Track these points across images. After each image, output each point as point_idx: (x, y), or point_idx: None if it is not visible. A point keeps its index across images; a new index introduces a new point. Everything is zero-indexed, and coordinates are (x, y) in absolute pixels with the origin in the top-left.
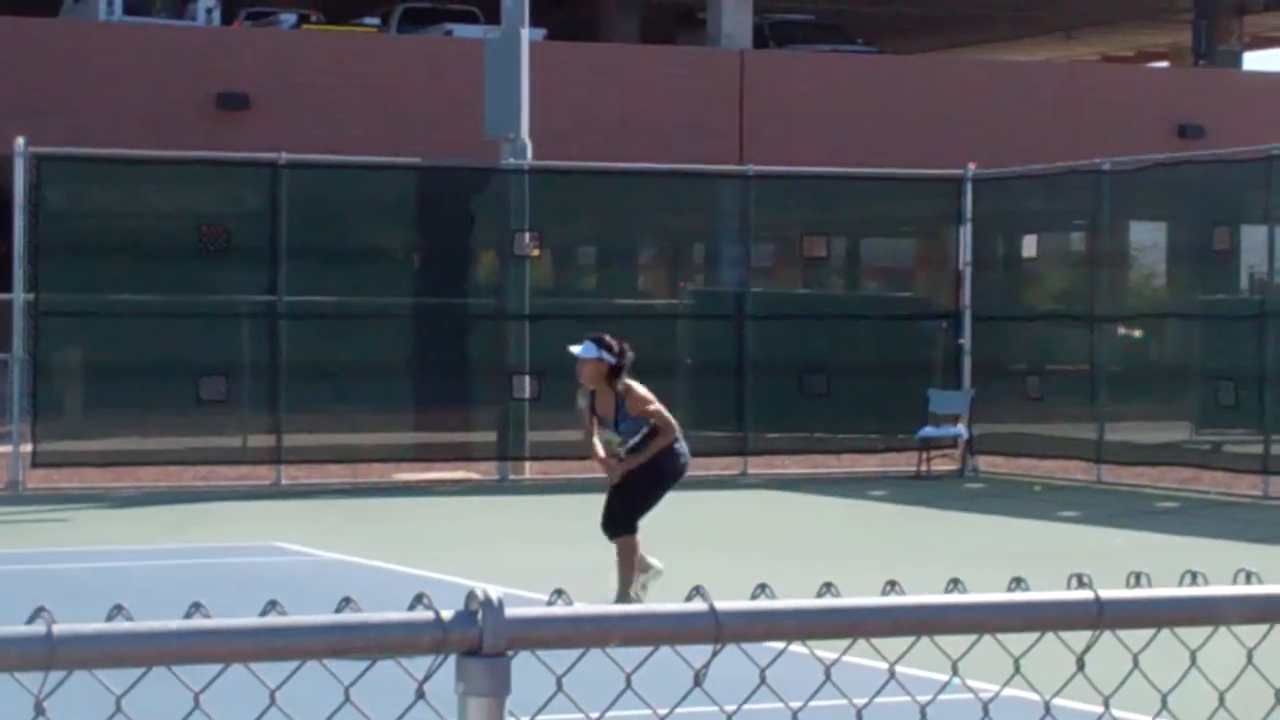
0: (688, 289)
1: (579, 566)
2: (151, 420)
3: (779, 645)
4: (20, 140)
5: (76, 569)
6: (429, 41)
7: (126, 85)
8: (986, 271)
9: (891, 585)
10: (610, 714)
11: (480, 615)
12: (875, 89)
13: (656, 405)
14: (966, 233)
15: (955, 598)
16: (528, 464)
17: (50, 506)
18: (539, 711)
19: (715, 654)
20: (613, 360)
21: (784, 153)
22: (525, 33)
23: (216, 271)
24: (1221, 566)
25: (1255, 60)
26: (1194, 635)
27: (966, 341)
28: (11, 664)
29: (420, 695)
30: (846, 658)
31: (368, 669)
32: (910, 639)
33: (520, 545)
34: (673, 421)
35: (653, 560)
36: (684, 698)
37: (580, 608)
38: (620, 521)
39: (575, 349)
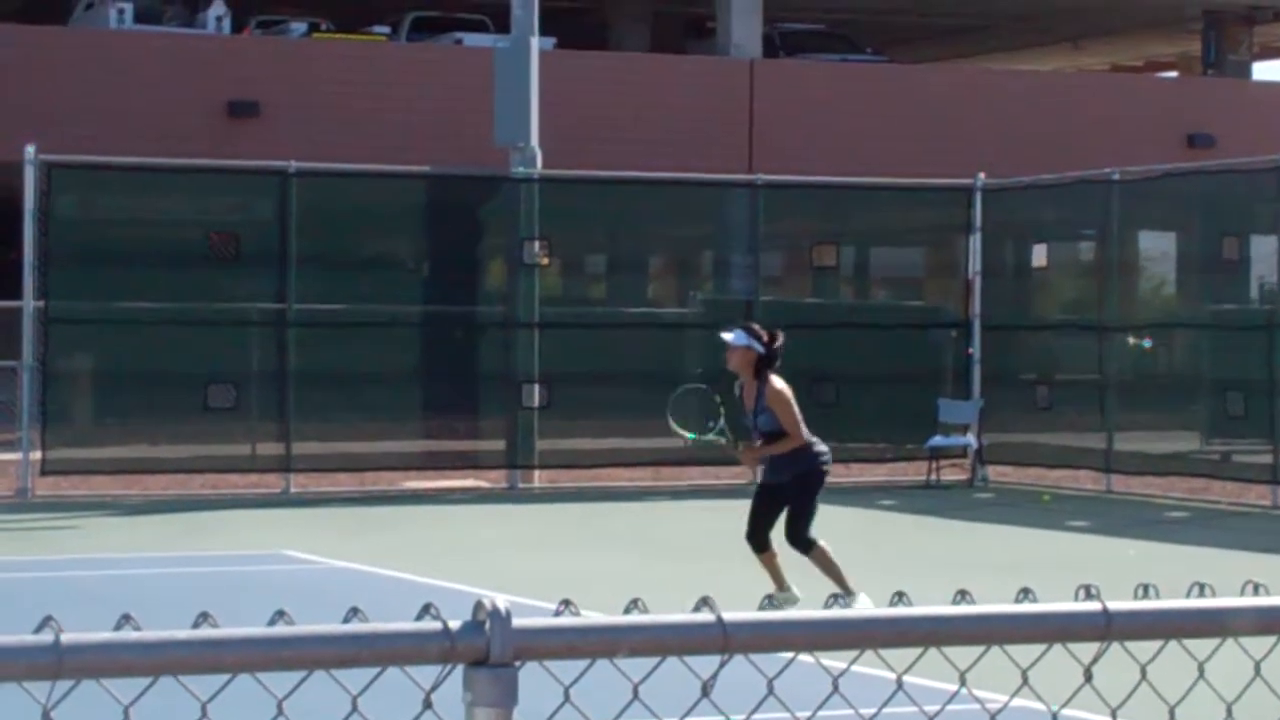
0: (697, 297)
1: (588, 576)
2: (160, 428)
3: (787, 655)
4: (30, 148)
5: (85, 576)
6: (439, 50)
7: (136, 93)
8: (996, 281)
9: (899, 596)
10: None
11: (488, 625)
12: (885, 98)
13: (792, 410)
14: (976, 242)
15: (963, 609)
16: (537, 472)
17: (59, 514)
18: None
19: (723, 664)
20: (762, 349)
21: (793, 162)
22: (535, 41)
23: (226, 279)
24: (1231, 577)
25: (1265, 70)
26: (1202, 647)
27: (976, 351)
28: (19, 673)
29: (427, 705)
30: (855, 668)
31: (375, 678)
32: (918, 650)
33: (529, 554)
34: (802, 430)
35: (793, 587)
36: (692, 708)
37: (588, 618)
38: (800, 540)
39: (726, 336)
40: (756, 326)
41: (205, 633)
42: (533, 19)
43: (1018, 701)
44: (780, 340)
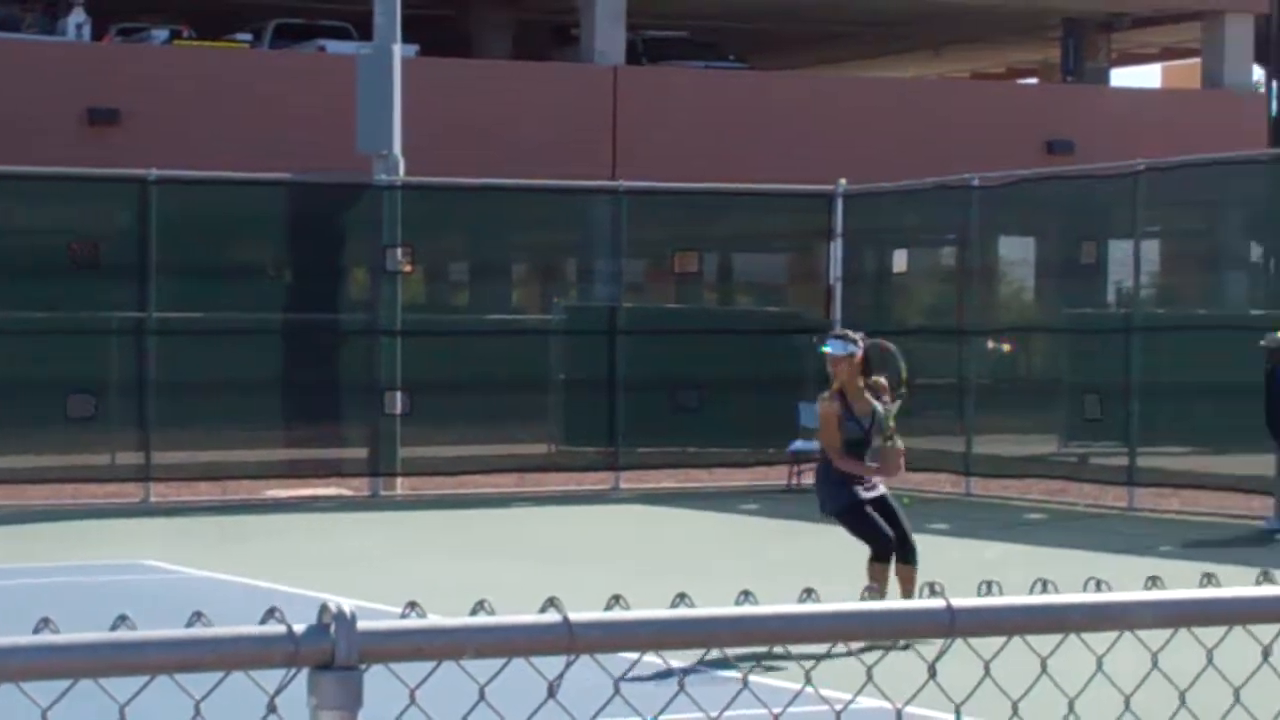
0: (560, 304)
1: (450, 582)
2: (18, 438)
3: (634, 656)
4: None
5: None
6: (302, 57)
7: None
8: (857, 286)
9: (745, 595)
10: None
11: (333, 629)
12: (747, 105)
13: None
14: (837, 248)
15: (807, 607)
16: (399, 480)
17: None
18: None
19: (569, 665)
20: (860, 351)
21: (657, 168)
22: (398, 49)
23: (85, 288)
24: (1083, 577)
25: (1123, 77)
26: (1045, 643)
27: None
28: None
29: (272, 709)
30: (702, 665)
31: (219, 683)
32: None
33: (392, 562)
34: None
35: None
36: (538, 709)
37: (433, 620)
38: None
39: (826, 349)
40: (848, 330)
41: (45, 638)
42: (395, 26)
43: (863, 700)
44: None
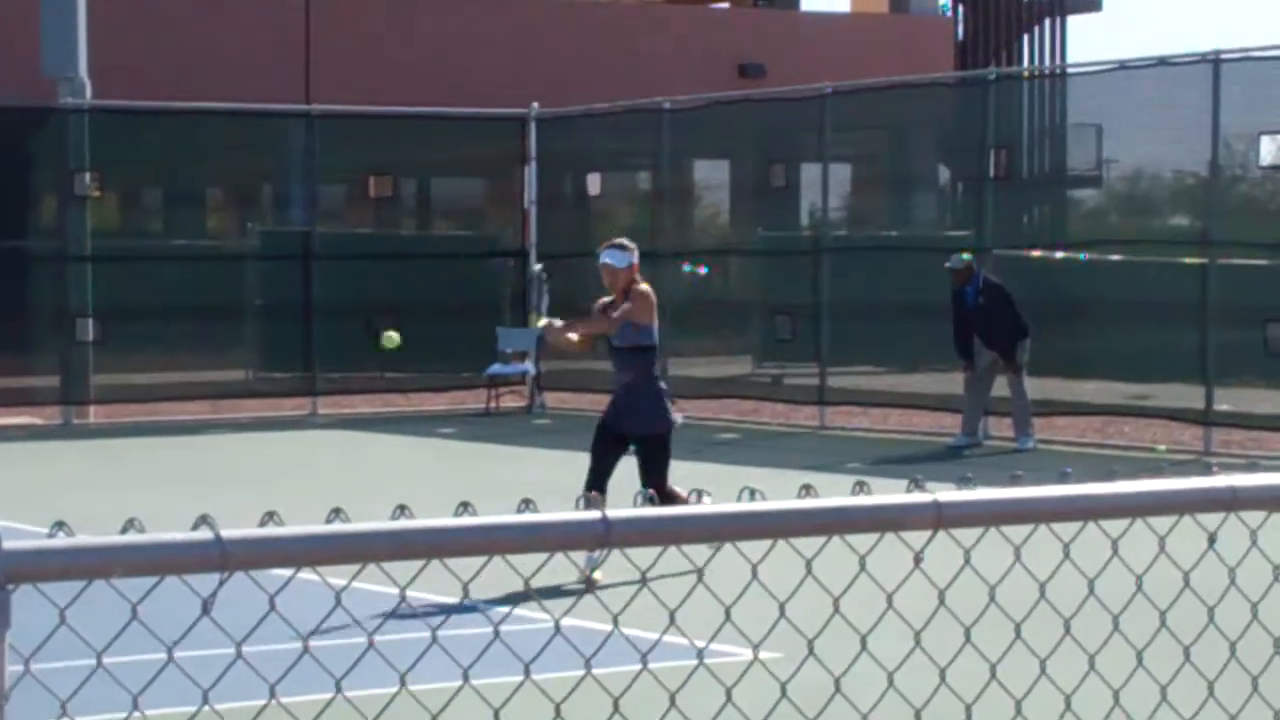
0: (255, 229)
1: (143, 511)
2: None
3: (289, 573)
4: None
5: None
6: None
7: None
8: (553, 210)
9: (401, 509)
10: (118, 643)
11: None
12: (439, 29)
13: (646, 313)
14: (531, 172)
15: (464, 520)
16: (93, 408)
17: None
18: (43, 644)
19: (222, 582)
20: (636, 261)
21: (352, 93)
22: None
23: None
24: (774, 493)
25: (814, 1)
26: (701, 553)
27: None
28: None
29: None
30: (358, 584)
31: None
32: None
33: (83, 492)
34: (618, 325)
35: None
36: (191, 627)
37: (81, 539)
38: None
39: (605, 260)
40: (626, 241)
41: None
42: None
43: (522, 611)
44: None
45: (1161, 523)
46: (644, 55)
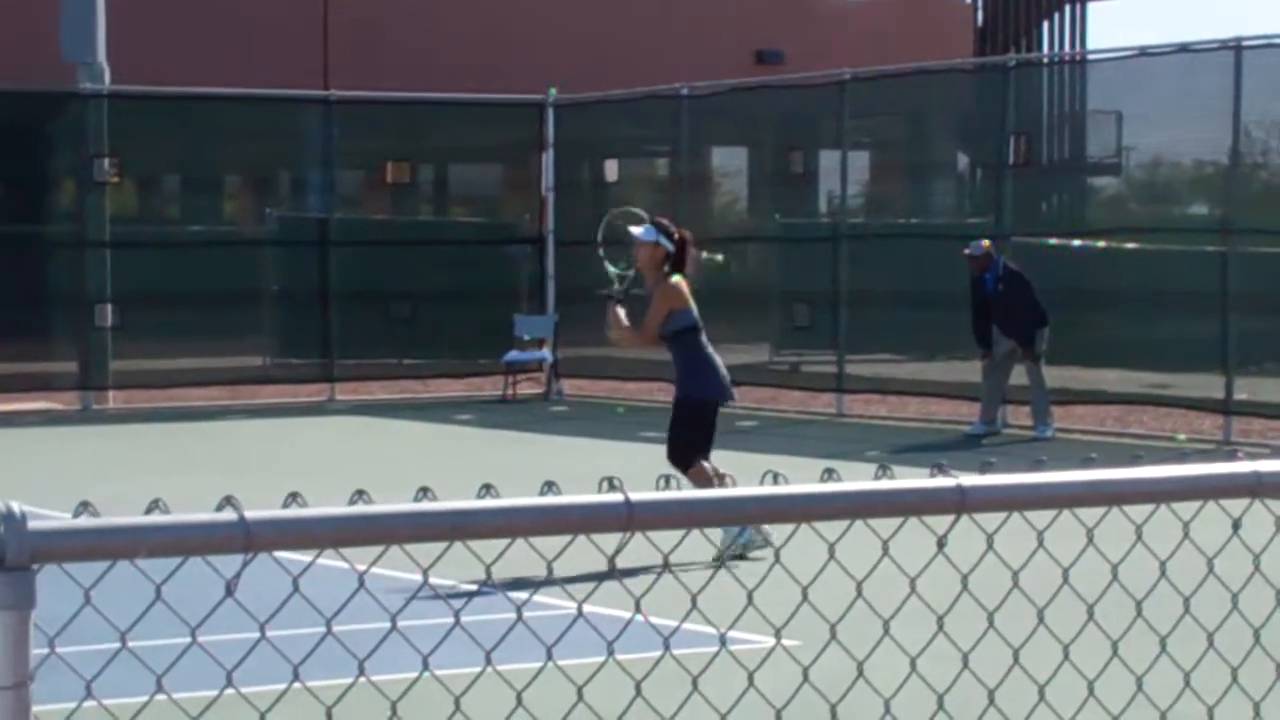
0: (273, 215)
1: (162, 496)
2: None
3: (309, 557)
4: None
5: None
6: None
7: None
8: (570, 196)
9: (424, 491)
10: (141, 625)
11: (2, 529)
12: (458, 14)
13: (662, 306)
14: (549, 158)
15: (487, 503)
16: (111, 393)
17: None
18: (68, 624)
19: (246, 563)
20: (670, 246)
21: (369, 79)
22: None
23: None
24: (793, 481)
25: None
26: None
27: (550, 266)
28: None
29: None
30: (379, 570)
31: None
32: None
33: (102, 477)
34: (652, 331)
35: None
36: (216, 607)
37: (106, 520)
38: (676, 458)
39: (636, 230)
40: (665, 221)
41: None
42: None
43: (544, 597)
44: (690, 246)
45: (1185, 509)
46: (662, 41)
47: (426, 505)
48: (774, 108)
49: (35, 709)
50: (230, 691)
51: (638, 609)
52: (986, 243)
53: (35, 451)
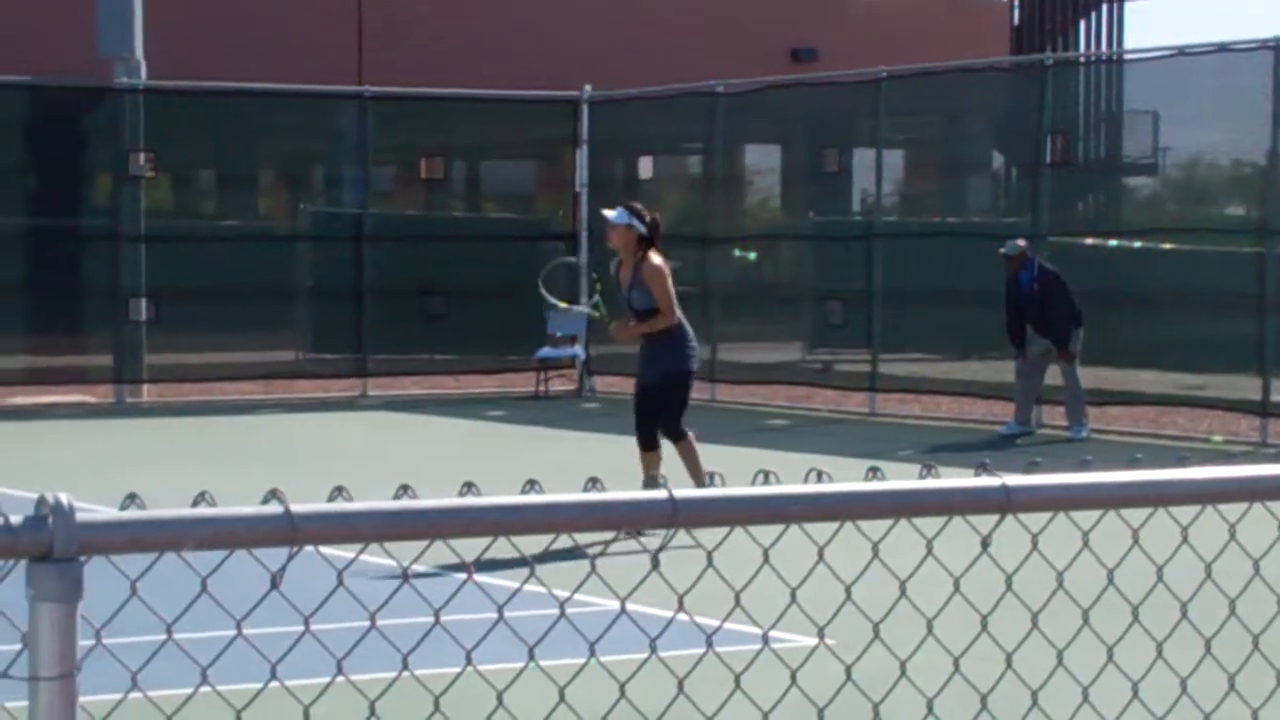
0: (307, 211)
1: (192, 488)
2: None
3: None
4: None
5: None
6: None
7: None
8: (604, 193)
9: (469, 486)
10: (186, 618)
11: (50, 520)
12: (492, 10)
13: (666, 285)
14: (583, 155)
15: (532, 499)
16: (145, 387)
17: None
18: (113, 616)
19: (291, 557)
20: (643, 229)
21: (403, 74)
22: None
23: None
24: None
25: None
26: (768, 534)
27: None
28: None
29: None
30: (419, 565)
31: None
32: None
33: (137, 470)
34: (676, 308)
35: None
36: (260, 601)
37: (153, 512)
38: (670, 433)
39: (608, 213)
40: (638, 205)
41: None
42: None
43: (587, 595)
44: (660, 225)
45: (1231, 510)
46: (697, 39)
47: (472, 500)
48: (809, 106)
49: (81, 699)
50: (274, 684)
51: (680, 606)
52: (1022, 242)
53: (70, 444)
